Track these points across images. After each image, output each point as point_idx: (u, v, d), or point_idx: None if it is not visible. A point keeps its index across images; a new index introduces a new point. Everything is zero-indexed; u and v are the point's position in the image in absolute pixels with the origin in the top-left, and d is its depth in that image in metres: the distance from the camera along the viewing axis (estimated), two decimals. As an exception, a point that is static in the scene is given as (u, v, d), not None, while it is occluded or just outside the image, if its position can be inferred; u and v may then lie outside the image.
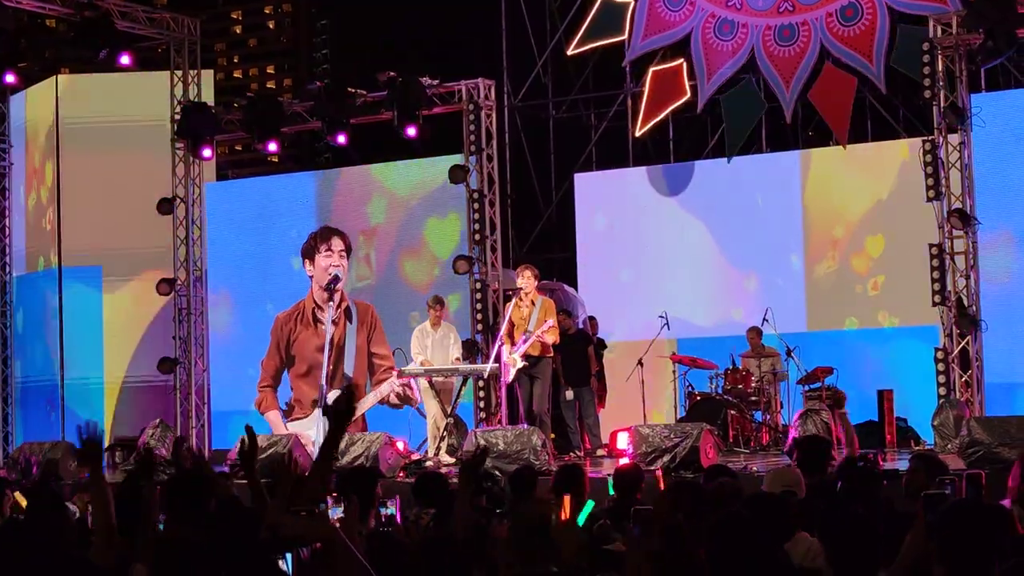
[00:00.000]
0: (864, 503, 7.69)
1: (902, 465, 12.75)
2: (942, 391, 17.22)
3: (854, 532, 5.60)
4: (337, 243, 20.97)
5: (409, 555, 5.66)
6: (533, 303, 16.92)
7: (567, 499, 8.82)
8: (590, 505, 7.04)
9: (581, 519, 6.58)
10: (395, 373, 18.76)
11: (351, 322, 20.84)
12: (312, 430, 17.75)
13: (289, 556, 5.14)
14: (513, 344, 16.97)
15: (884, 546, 5.75)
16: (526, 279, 16.98)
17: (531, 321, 16.73)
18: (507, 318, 17.11)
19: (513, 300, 17.28)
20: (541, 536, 6.04)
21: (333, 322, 19.89)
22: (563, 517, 8.62)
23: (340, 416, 6.04)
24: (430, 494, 9.14)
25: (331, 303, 19.24)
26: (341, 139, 19.73)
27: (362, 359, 20.59)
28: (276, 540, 4.87)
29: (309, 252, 21.10)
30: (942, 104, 17.43)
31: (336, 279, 20.09)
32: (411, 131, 19.00)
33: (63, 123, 22.11)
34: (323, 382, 18.50)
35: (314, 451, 17.05)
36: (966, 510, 5.24)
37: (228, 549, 5.07)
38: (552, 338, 16.88)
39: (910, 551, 5.64)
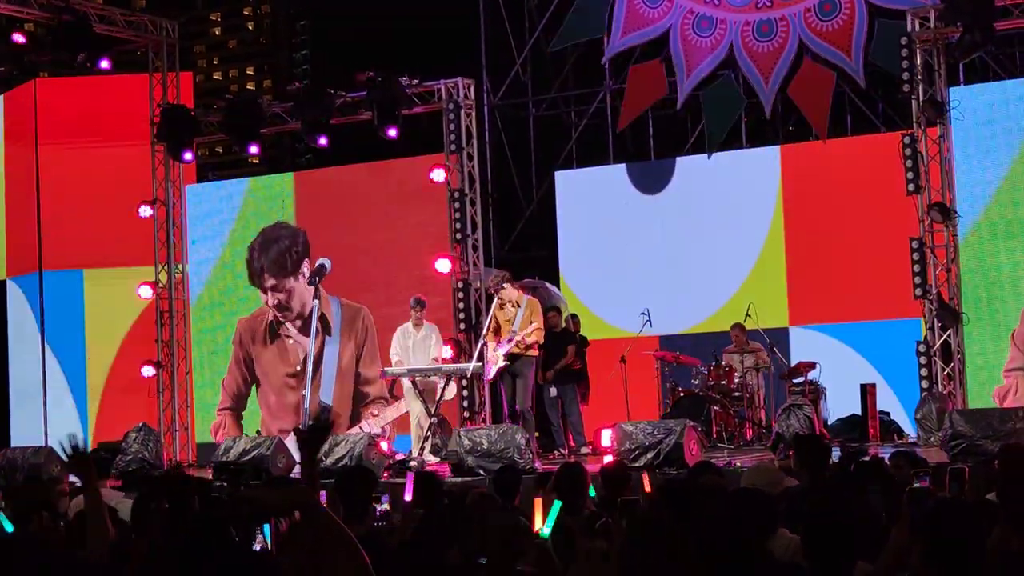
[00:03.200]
0: (858, 498, 7.70)
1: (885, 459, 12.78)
2: (924, 384, 17.26)
3: (829, 527, 5.60)
4: (268, 280, 20.51)
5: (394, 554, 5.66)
6: (518, 304, 16.88)
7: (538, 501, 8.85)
8: (557, 505, 7.03)
9: (550, 521, 6.59)
10: (377, 412, 18.52)
11: (331, 334, 20.32)
12: None
13: (267, 529, 5.09)
14: (498, 343, 16.95)
15: (868, 541, 5.76)
16: (507, 290, 17.05)
17: (516, 321, 16.70)
18: (491, 316, 17.08)
19: (496, 300, 17.24)
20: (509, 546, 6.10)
21: (291, 337, 19.51)
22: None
23: (307, 445, 5.19)
24: (423, 494, 9.16)
25: (316, 301, 18.65)
26: (321, 140, 19.69)
27: (346, 382, 19.90)
28: (255, 511, 4.82)
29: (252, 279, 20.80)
30: (921, 98, 17.47)
31: (322, 269, 19.72)
32: (391, 131, 18.98)
33: (42, 126, 22.02)
34: (306, 405, 18.06)
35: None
36: (951, 507, 5.26)
37: (210, 559, 5.05)
38: (536, 339, 16.85)
39: (894, 546, 5.66)
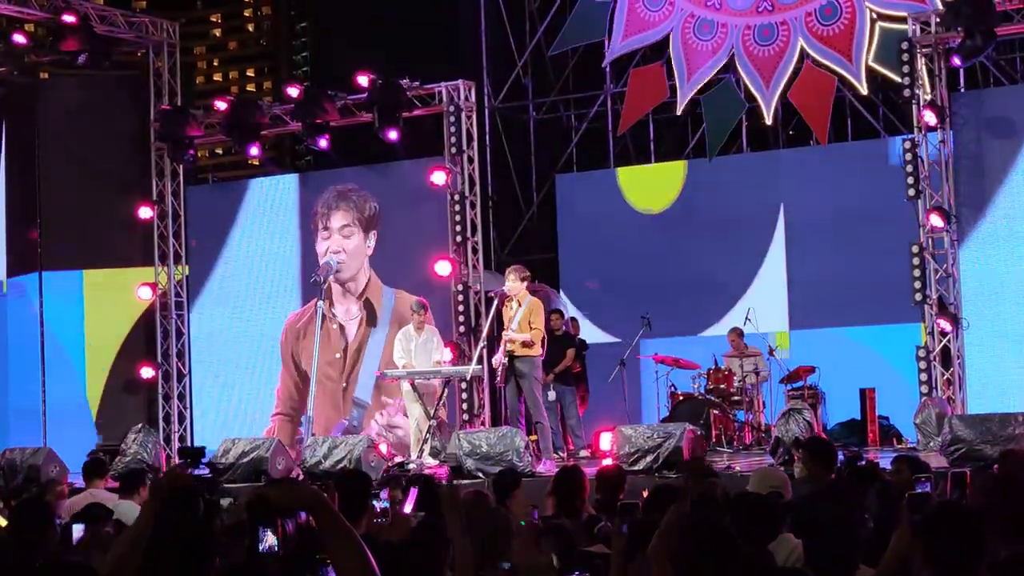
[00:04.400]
0: (858, 502, 7.69)
1: (884, 463, 12.78)
2: (924, 389, 17.25)
3: (830, 531, 5.59)
4: (338, 218, 20.39)
5: (393, 554, 5.64)
6: (520, 303, 16.67)
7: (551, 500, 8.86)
8: None
9: None
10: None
11: (376, 324, 19.88)
12: None
13: (275, 529, 5.04)
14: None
15: (869, 546, 5.75)
16: (511, 280, 16.72)
17: (515, 320, 16.57)
18: (491, 319, 16.98)
19: (498, 302, 17.06)
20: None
21: (335, 322, 19.20)
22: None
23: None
24: (421, 497, 9.17)
25: (321, 303, 18.35)
26: (322, 142, 19.68)
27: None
28: (262, 511, 4.78)
29: (315, 232, 20.61)
30: (922, 103, 17.46)
31: (327, 269, 19.49)
32: (392, 134, 18.98)
33: (42, 127, 22.00)
34: (308, 410, 17.88)
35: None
36: (951, 511, 5.25)
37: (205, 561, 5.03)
38: (525, 337, 16.41)
39: (895, 551, 5.65)
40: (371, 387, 19.55)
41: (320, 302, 18.34)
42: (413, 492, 8.77)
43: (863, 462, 10.62)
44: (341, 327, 19.63)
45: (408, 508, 8.49)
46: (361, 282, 19.96)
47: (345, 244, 19.99)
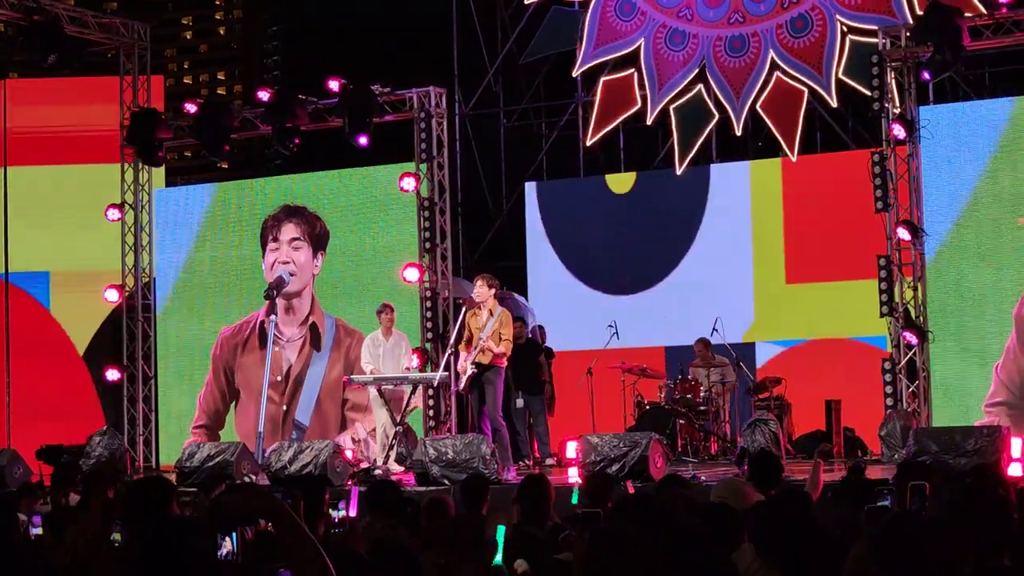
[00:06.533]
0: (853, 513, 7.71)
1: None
2: (889, 401, 17.31)
3: (812, 543, 5.59)
4: (288, 231, 20.30)
5: (359, 561, 5.64)
6: (491, 312, 16.66)
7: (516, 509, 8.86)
8: (502, 530, 7.03)
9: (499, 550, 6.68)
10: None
11: (320, 349, 19.87)
12: None
13: (235, 536, 5.03)
14: (468, 352, 16.82)
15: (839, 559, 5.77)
16: (479, 287, 16.72)
17: (486, 329, 16.56)
18: (459, 326, 16.96)
19: (466, 309, 17.02)
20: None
21: (278, 343, 18.97)
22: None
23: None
24: (382, 502, 9.18)
25: (273, 317, 18.23)
26: (292, 146, 19.61)
27: (331, 403, 19.38)
28: (222, 518, 4.76)
29: (263, 245, 20.51)
30: (891, 116, 17.53)
31: (280, 283, 19.41)
32: (362, 139, 18.93)
33: (10, 127, 21.92)
34: (260, 427, 17.48)
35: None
36: (907, 523, 5.25)
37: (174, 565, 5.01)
38: (501, 350, 16.50)
39: (853, 564, 5.66)
40: (310, 412, 19.48)
41: (273, 317, 18.19)
42: (355, 492, 8.76)
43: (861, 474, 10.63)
44: (283, 350, 19.53)
45: (352, 511, 8.47)
46: (306, 303, 19.83)
47: (295, 256, 19.89)
